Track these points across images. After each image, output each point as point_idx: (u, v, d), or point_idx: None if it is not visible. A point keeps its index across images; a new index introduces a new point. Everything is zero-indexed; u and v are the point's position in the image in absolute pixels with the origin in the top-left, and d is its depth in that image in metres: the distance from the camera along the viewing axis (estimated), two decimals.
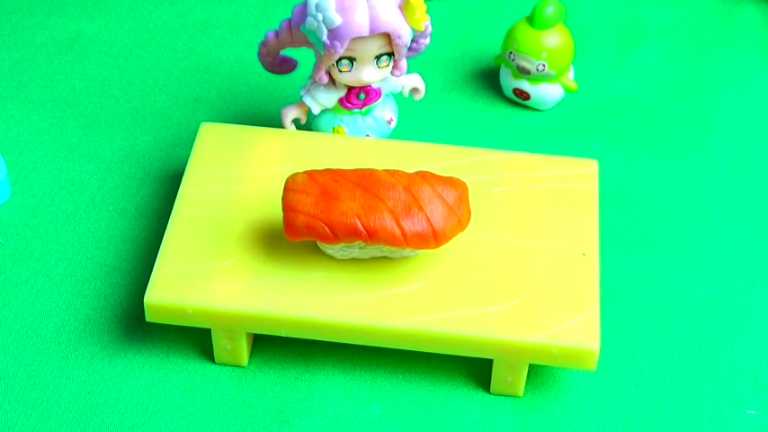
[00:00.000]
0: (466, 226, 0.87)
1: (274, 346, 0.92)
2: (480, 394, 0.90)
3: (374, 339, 0.87)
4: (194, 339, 0.92)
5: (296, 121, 1.02)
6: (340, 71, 0.96)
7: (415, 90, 1.02)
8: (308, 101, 0.99)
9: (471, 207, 0.91)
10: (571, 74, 1.11)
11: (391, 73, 0.98)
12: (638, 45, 1.19)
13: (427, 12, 0.95)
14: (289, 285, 0.87)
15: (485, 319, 0.86)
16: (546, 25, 1.07)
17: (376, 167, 0.92)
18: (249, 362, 0.91)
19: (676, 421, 0.88)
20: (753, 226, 1.02)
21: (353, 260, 0.89)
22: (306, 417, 0.88)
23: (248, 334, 0.90)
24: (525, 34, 1.07)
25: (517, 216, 0.93)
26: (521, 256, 0.90)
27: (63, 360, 0.91)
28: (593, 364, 0.85)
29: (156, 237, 0.99)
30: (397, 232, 0.85)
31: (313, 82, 0.99)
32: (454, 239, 0.90)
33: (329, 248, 0.88)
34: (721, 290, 0.97)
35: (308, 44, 0.97)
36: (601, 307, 0.93)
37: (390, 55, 0.96)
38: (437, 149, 0.98)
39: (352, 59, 0.95)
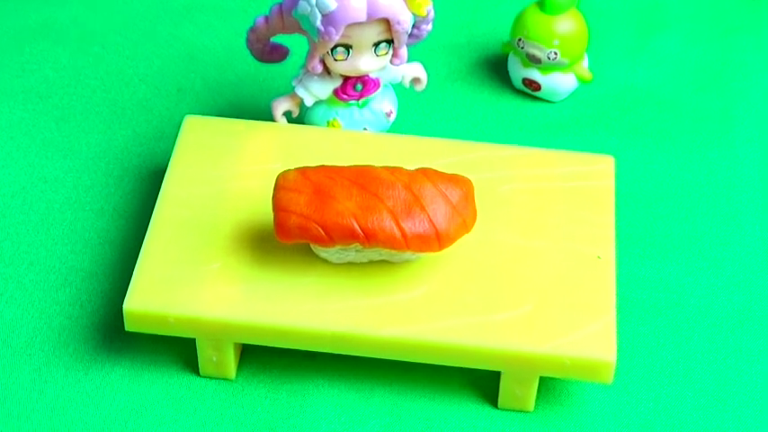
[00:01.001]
0: (471, 227, 0.87)
1: (264, 358, 0.92)
2: (487, 409, 0.90)
3: (372, 350, 0.87)
4: (177, 350, 0.92)
5: (287, 114, 1.02)
6: (335, 60, 0.96)
7: (416, 80, 1.02)
8: (300, 92, 0.99)
9: (477, 207, 0.90)
10: (585, 62, 1.11)
11: (390, 62, 0.98)
12: (658, 31, 1.19)
13: None
14: (280, 291, 0.87)
15: (492, 328, 0.86)
16: (558, 10, 1.07)
17: (374, 164, 0.92)
18: (237, 374, 0.91)
19: None
20: None
21: (350, 264, 0.89)
22: None
23: (236, 344, 0.89)
24: (536, 20, 1.07)
25: (527, 216, 0.93)
26: (531, 259, 0.90)
27: (35, 372, 0.91)
28: (608, 377, 0.85)
29: (137, 239, 0.99)
30: (397, 234, 0.85)
31: (306, 71, 0.99)
32: (459, 242, 0.89)
33: (323, 251, 0.88)
34: (748, 296, 0.97)
35: (301, 30, 0.97)
36: (617, 314, 0.93)
37: (389, 42, 0.96)
38: (440, 144, 0.98)
39: (348, 47, 0.95)
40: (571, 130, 1.10)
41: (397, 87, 1.05)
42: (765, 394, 0.91)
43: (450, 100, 1.12)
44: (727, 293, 0.97)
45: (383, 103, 1.01)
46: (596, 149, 1.07)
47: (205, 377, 0.91)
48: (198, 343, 0.89)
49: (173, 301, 0.87)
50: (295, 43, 1.07)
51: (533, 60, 1.09)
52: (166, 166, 0.99)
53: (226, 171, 0.95)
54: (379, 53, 0.96)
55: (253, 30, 1.00)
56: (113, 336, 0.93)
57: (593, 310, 0.87)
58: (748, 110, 1.12)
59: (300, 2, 0.93)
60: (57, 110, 1.09)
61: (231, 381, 0.91)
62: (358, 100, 1.00)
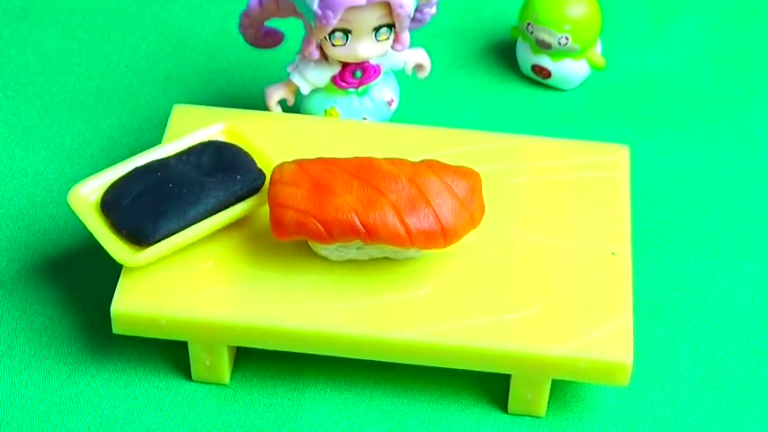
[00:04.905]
0: (479, 222, 0.88)
1: (259, 361, 0.92)
2: (496, 414, 0.90)
3: (374, 353, 0.87)
4: (168, 353, 0.92)
5: (282, 103, 1.02)
6: (333, 45, 0.96)
7: (419, 67, 1.03)
8: (296, 79, 0.99)
9: (485, 200, 0.91)
10: (598, 48, 1.11)
11: (392, 47, 0.98)
12: (676, 15, 1.19)
13: None
14: (276, 291, 0.87)
15: (501, 329, 0.86)
16: None
17: (375, 155, 0.92)
18: (231, 379, 0.91)
19: None
20: None
21: (350, 262, 0.89)
22: None
23: (230, 347, 0.90)
24: (546, 3, 1.08)
25: (537, 210, 0.93)
26: (542, 256, 0.90)
27: (15, 376, 0.91)
28: (625, 380, 0.86)
29: None
30: (401, 230, 0.85)
31: (302, 57, 0.99)
32: (465, 238, 0.90)
33: (323, 249, 0.88)
34: None
35: (297, 14, 0.97)
36: (633, 315, 0.93)
37: (391, 27, 0.96)
38: (445, 135, 0.98)
39: (346, 32, 0.95)
40: (583, 119, 1.10)
41: (399, 74, 1.05)
42: None
43: (455, 88, 1.12)
44: (749, 293, 0.97)
45: (384, 91, 1.01)
46: (610, 140, 1.07)
47: (197, 382, 0.91)
48: (190, 346, 0.89)
49: (163, 301, 0.86)
50: (291, 27, 1.07)
51: (543, 46, 1.09)
52: None
53: None
54: (379, 38, 0.97)
55: (246, 13, 1.00)
56: (98, 337, 0.93)
57: (608, 309, 0.87)
58: None
59: None
60: (38, 98, 1.10)
61: (225, 385, 0.91)
62: (357, 88, 1.00)
